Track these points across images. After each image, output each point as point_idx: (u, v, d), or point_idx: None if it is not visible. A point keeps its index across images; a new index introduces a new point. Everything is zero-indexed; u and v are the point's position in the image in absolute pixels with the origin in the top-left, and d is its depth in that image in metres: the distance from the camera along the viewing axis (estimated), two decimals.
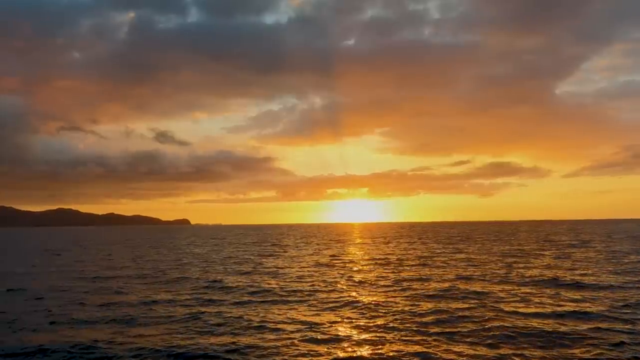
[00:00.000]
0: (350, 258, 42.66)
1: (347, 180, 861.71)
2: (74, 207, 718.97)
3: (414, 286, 23.45)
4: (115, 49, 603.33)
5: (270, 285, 24.64)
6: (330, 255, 45.62)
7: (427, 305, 18.49)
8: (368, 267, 34.23)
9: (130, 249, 61.12)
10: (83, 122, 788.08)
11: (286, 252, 51.78)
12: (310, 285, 24.49)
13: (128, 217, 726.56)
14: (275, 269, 33.07)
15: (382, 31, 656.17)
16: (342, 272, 30.80)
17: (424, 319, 16.24)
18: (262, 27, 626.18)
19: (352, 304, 19.38)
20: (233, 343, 13.71)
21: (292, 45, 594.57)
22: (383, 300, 20.07)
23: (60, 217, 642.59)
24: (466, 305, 18.27)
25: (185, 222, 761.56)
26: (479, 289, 21.77)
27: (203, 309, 18.52)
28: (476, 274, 28.31)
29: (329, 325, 15.80)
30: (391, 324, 15.69)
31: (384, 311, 17.77)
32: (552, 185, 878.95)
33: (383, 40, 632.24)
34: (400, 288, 23.10)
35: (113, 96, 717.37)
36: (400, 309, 18.08)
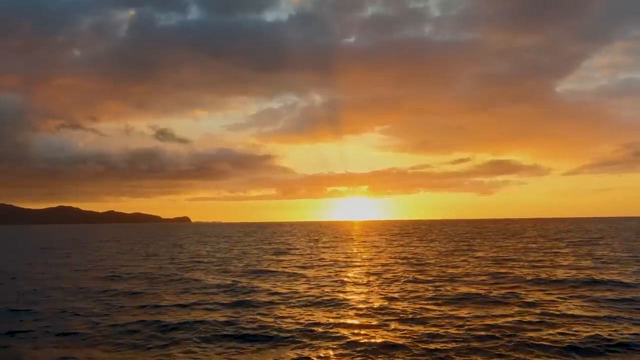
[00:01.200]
0: (370, 257, 41.64)
1: (347, 178, 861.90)
2: (74, 204, 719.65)
3: (447, 287, 22.38)
4: (116, 47, 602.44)
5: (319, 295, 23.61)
6: (355, 256, 44.55)
7: (472, 311, 17.41)
8: (398, 267, 33.16)
9: (153, 247, 60.15)
10: (83, 120, 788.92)
11: (319, 260, 50.64)
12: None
13: (128, 215, 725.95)
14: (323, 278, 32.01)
15: (383, 29, 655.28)
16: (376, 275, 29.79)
17: (477, 330, 15.17)
18: (263, 24, 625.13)
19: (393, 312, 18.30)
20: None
21: (293, 43, 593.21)
22: (436, 310, 19.01)
23: (61, 214, 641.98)
24: (512, 310, 17.14)
25: (185, 219, 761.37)
26: (520, 292, 20.27)
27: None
28: (502, 271, 27.32)
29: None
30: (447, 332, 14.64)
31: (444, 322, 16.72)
32: (552, 183, 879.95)
33: (383, 38, 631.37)
34: (434, 292, 22.03)
35: (113, 94, 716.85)
36: (443, 312, 17.04)
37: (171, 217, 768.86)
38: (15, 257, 47.94)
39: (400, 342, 13.18)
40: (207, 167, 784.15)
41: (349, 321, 15.82)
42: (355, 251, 48.35)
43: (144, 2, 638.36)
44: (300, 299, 19.61)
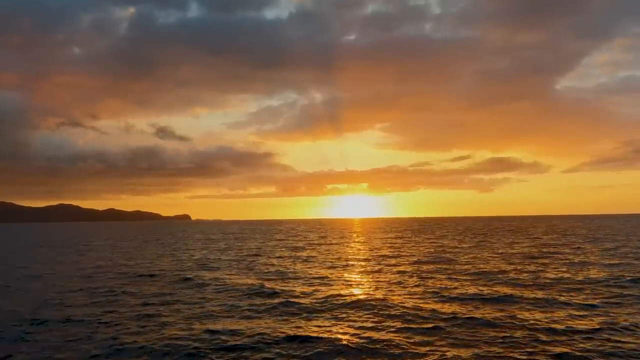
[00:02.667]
0: (387, 255, 41.17)
1: (347, 175, 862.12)
2: (74, 202, 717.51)
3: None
4: (116, 45, 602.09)
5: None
6: (377, 255, 44.05)
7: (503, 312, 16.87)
8: (416, 265, 32.67)
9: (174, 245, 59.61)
10: (83, 118, 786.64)
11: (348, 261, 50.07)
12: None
13: (128, 213, 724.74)
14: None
15: (383, 26, 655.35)
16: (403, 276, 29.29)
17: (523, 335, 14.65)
18: (263, 22, 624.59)
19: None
20: None
21: (293, 41, 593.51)
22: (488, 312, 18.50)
23: (61, 212, 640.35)
24: (561, 314, 16.57)
25: (185, 217, 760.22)
26: (562, 299, 18.24)
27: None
28: (529, 269, 26.88)
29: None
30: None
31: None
32: (552, 180, 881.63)
33: (384, 36, 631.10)
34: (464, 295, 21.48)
35: (113, 92, 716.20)
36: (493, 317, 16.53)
37: (171, 215, 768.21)
38: (40, 256, 47.34)
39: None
40: (207, 165, 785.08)
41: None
42: (383, 252, 47.83)
43: (143, 0, 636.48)
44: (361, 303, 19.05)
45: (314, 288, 21.21)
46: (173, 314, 16.33)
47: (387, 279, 23.58)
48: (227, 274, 26.61)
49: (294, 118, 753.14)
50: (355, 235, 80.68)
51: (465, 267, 28.55)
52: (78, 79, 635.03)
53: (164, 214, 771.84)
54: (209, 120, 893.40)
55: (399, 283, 22.23)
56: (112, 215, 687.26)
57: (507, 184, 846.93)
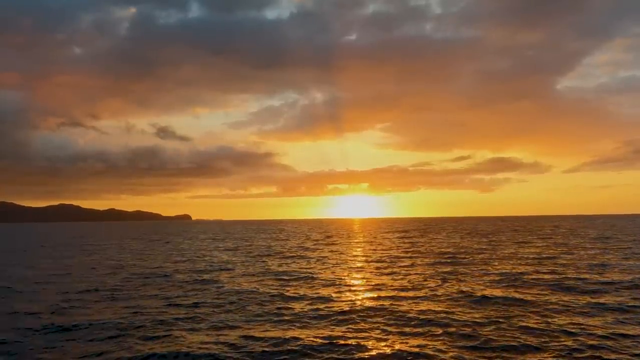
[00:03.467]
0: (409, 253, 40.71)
1: (348, 175, 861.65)
2: (74, 202, 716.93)
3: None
4: (116, 45, 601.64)
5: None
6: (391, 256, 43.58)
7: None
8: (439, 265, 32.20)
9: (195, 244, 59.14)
10: (84, 118, 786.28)
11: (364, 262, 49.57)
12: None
13: (129, 213, 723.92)
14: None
15: (384, 26, 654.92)
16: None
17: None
18: (263, 22, 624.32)
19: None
20: None
21: (293, 41, 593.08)
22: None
23: (61, 212, 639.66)
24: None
25: (186, 217, 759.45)
26: (599, 302, 17.67)
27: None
28: (551, 270, 26.44)
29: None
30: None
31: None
32: (552, 180, 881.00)
33: (384, 36, 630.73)
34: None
35: (114, 92, 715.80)
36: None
37: (172, 215, 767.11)
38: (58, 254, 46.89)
39: None
40: (207, 165, 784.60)
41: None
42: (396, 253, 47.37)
43: (144, 0, 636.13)
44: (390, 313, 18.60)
45: (336, 291, 20.76)
46: (199, 317, 15.87)
47: (408, 281, 23.11)
48: (244, 276, 26.15)
49: (295, 118, 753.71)
50: (361, 235, 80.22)
51: (483, 267, 28.10)
52: (79, 78, 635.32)
53: (164, 214, 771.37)
54: (209, 120, 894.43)
55: (422, 285, 21.75)
56: (113, 215, 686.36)
57: (508, 184, 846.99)
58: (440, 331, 13.56)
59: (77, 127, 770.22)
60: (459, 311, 16.15)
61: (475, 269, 27.51)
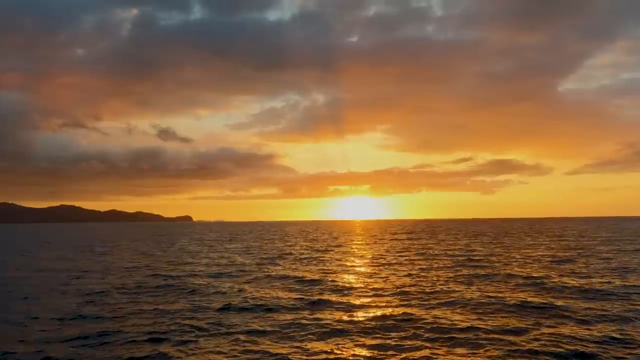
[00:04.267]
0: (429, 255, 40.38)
1: (349, 177, 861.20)
2: (76, 203, 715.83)
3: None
4: (118, 46, 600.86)
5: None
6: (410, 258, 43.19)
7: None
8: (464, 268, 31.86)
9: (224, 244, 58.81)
10: (85, 119, 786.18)
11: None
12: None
13: (130, 214, 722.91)
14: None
15: (385, 28, 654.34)
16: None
17: None
18: (265, 23, 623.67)
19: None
20: None
21: (295, 42, 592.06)
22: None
23: (63, 213, 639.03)
24: None
25: (187, 218, 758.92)
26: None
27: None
28: (572, 273, 26.14)
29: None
30: None
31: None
32: (554, 182, 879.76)
33: (386, 37, 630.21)
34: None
35: (115, 93, 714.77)
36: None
37: (173, 216, 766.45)
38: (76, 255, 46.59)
39: None
40: (209, 166, 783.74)
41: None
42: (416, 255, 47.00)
43: (146, 1, 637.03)
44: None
45: (363, 296, 20.47)
46: (227, 324, 15.59)
47: (432, 284, 22.81)
48: (264, 279, 25.86)
49: (296, 120, 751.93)
50: (368, 237, 79.86)
51: (503, 270, 27.74)
52: (80, 79, 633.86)
53: (165, 215, 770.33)
54: (211, 122, 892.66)
55: (449, 290, 21.43)
56: (114, 216, 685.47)
57: (509, 185, 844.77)
58: (484, 341, 13.24)
59: (78, 128, 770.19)
60: (495, 318, 15.84)
61: (497, 272, 27.17)
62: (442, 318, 15.71)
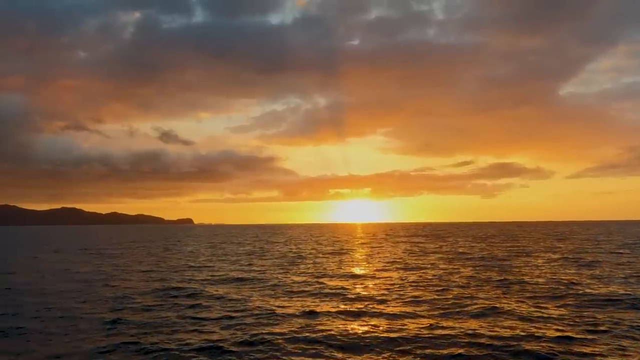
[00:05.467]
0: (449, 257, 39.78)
1: (350, 180, 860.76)
2: (77, 206, 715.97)
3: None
4: (120, 49, 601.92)
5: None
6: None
7: None
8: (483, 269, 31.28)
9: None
10: (87, 122, 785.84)
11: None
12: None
13: (131, 216, 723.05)
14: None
15: (387, 31, 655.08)
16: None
17: None
18: (267, 27, 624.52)
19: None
20: None
21: (297, 45, 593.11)
22: None
23: (64, 216, 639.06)
24: None
25: (188, 221, 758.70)
26: None
27: None
28: (600, 279, 25.59)
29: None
30: None
31: None
32: (555, 186, 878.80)
33: (387, 41, 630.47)
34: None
35: (117, 95, 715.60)
36: None
37: (174, 219, 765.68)
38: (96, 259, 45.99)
39: None
40: (210, 169, 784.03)
41: None
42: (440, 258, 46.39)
43: (149, 4, 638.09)
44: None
45: (396, 304, 19.94)
46: (279, 330, 15.06)
47: (463, 288, 22.27)
48: (290, 285, 25.33)
49: (297, 122, 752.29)
50: (376, 240, 79.19)
51: (530, 275, 27.18)
52: (83, 82, 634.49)
53: (166, 217, 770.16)
54: (212, 125, 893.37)
55: (487, 297, 20.90)
56: (115, 218, 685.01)
57: (510, 189, 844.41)
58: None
59: (80, 130, 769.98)
60: (549, 329, 15.30)
61: (525, 277, 26.59)
62: (489, 329, 15.16)
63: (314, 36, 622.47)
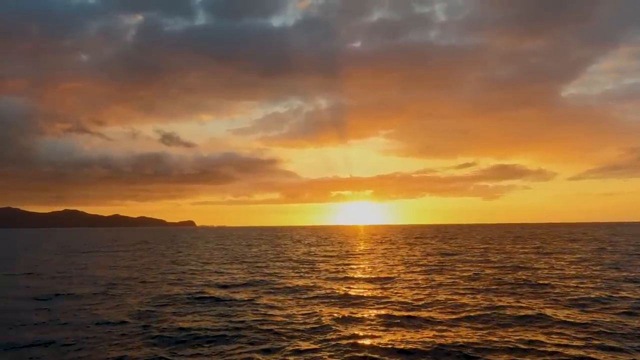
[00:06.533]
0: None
1: (352, 182, 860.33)
2: (79, 208, 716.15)
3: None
4: (123, 52, 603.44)
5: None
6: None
7: None
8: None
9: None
10: (89, 124, 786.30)
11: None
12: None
13: (133, 219, 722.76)
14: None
15: (389, 33, 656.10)
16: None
17: None
18: (269, 29, 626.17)
19: None
20: None
21: (299, 48, 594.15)
22: None
23: (66, 218, 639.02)
24: None
25: (190, 223, 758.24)
26: None
27: None
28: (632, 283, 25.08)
29: None
30: None
31: None
32: (557, 187, 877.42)
33: (389, 43, 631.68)
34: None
35: (119, 98, 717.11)
36: None
37: (176, 221, 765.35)
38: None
39: None
40: (212, 171, 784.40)
41: None
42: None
43: (151, 7, 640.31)
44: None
45: (436, 310, 19.48)
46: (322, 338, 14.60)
47: (497, 292, 21.79)
48: (317, 290, 24.87)
49: (299, 125, 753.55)
50: (385, 242, 78.63)
51: (561, 278, 26.66)
52: (85, 85, 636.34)
53: (168, 220, 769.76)
54: (214, 127, 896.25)
55: (537, 305, 20.42)
56: (117, 221, 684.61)
57: (512, 191, 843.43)
58: None
59: (82, 133, 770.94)
60: (608, 339, 14.82)
61: (557, 282, 26.10)
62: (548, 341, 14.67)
63: (315, 38, 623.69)
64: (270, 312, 17.89)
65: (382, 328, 15.15)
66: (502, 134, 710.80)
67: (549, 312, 17.16)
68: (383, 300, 20.09)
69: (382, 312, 17.66)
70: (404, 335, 14.12)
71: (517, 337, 13.65)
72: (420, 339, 13.63)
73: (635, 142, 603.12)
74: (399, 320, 16.20)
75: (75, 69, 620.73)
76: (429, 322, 15.92)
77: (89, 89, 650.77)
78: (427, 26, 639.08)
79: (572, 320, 15.88)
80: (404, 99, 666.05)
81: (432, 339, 13.58)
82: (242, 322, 16.16)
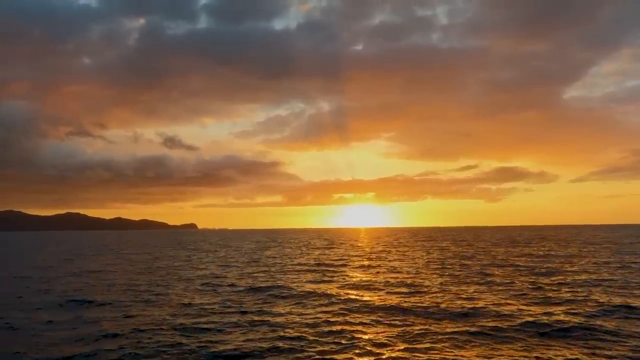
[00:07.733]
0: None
1: (354, 185, 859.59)
2: (81, 211, 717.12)
3: None
4: (125, 55, 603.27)
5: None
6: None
7: None
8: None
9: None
10: (92, 127, 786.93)
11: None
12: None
13: (135, 222, 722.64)
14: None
15: (390, 36, 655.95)
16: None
17: None
18: (271, 32, 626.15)
19: None
20: None
21: (301, 51, 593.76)
22: None
23: (68, 221, 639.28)
24: None
25: (192, 226, 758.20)
26: None
27: None
28: None
29: None
30: None
31: None
32: (559, 190, 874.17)
33: (391, 46, 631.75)
34: None
35: (122, 101, 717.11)
36: None
37: (178, 224, 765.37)
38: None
39: None
40: (213, 174, 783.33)
41: None
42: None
43: (153, 11, 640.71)
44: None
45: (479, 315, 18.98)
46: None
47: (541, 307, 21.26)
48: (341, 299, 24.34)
49: (301, 127, 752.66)
50: (394, 245, 78.06)
51: (591, 285, 26.14)
52: (87, 88, 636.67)
53: (170, 222, 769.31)
54: (216, 130, 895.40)
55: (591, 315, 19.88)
56: (119, 223, 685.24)
57: (514, 193, 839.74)
58: None
59: (85, 136, 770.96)
60: None
61: (574, 285, 25.58)
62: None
63: (317, 41, 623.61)
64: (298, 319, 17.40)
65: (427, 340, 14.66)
66: (504, 137, 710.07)
67: (604, 324, 16.64)
68: (417, 308, 19.60)
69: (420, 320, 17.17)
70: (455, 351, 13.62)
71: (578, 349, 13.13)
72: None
73: (638, 144, 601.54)
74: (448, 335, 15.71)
75: (78, 72, 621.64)
76: (486, 335, 15.44)
77: (91, 92, 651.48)
78: (428, 29, 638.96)
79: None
80: (406, 102, 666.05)
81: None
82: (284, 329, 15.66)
